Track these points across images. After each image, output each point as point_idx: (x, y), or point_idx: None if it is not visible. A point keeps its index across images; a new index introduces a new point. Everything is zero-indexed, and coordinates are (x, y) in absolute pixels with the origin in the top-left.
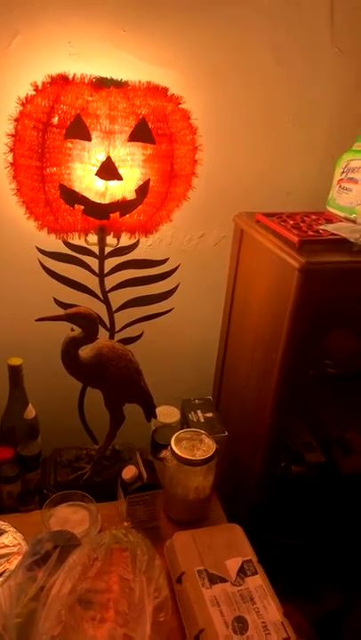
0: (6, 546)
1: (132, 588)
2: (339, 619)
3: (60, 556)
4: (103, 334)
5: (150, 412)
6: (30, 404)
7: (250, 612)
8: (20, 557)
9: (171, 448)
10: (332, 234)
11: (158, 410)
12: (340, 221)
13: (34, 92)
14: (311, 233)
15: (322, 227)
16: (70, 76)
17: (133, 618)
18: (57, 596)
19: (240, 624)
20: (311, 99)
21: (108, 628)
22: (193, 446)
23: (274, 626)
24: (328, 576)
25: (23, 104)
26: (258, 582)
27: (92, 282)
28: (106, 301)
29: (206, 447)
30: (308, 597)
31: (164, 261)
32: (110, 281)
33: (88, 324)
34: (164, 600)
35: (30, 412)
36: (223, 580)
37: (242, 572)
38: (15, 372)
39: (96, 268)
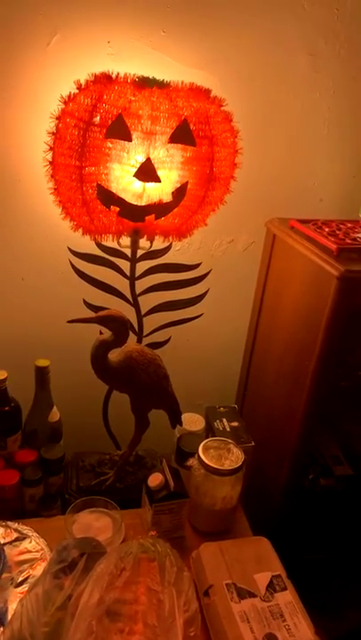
0: (29, 551)
1: (160, 600)
2: (359, 638)
3: (86, 564)
4: (131, 338)
5: (176, 419)
6: (55, 407)
7: (280, 629)
8: (43, 563)
9: (198, 456)
10: None
11: (183, 417)
12: None
13: (77, 91)
14: (349, 241)
15: (359, 235)
16: (114, 75)
17: (163, 631)
18: (86, 605)
19: None
20: (347, 106)
21: None
22: (220, 455)
23: None
24: (350, 593)
25: (65, 102)
26: (288, 598)
27: (122, 285)
28: (135, 305)
29: (235, 457)
30: (328, 614)
31: (196, 266)
32: (141, 284)
33: (119, 327)
34: (195, 614)
35: (55, 414)
36: (252, 595)
37: (271, 587)
38: (42, 374)
39: (127, 271)
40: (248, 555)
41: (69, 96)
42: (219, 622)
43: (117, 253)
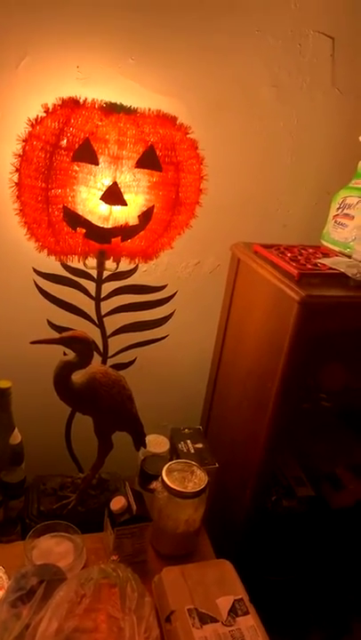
0: None
1: (121, 628)
2: None
3: (45, 592)
4: (96, 359)
5: (140, 441)
6: (16, 429)
7: None
8: (1, 592)
9: (162, 479)
10: (331, 268)
11: (147, 439)
12: (337, 255)
13: (44, 114)
14: (310, 266)
15: (320, 260)
16: (81, 101)
17: None
18: (43, 635)
19: None
20: (310, 136)
21: None
22: (184, 478)
23: None
24: (312, 615)
25: (33, 125)
26: (250, 623)
27: (87, 305)
28: (101, 326)
29: (198, 479)
30: (290, 636)
31: (162, 288)
32: (106, 305)
33: (83, 348)
34: None
35: (16, 436)
36: (214, 620)
37: (233, 611)
38: (3, 395)
39: (93, 292)
40: (210, 578)
41: (37, 119)
42: None
43: (83, 274)
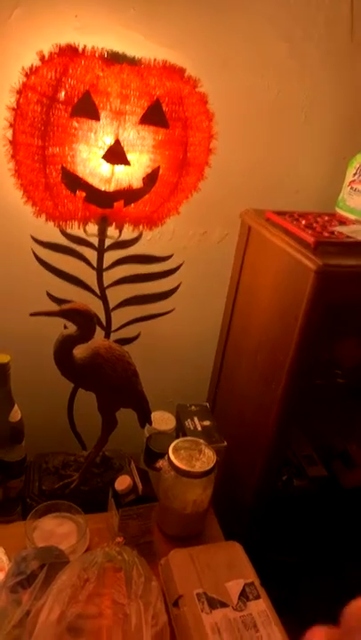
0: None
1: (127, 614)
2: None
3: (46, 576)
4: (99, 333)
5: (145, 418)
6: (16, 406)
7: None
8: (1, 574)
9: (168, 458)
10: (348, 236)
11: (153, 415)
12: (353, 224)
13: (40, 63)
14: (326, 234)
15: (336, 228)
16: (80, 48)
17: None
18: (45, 623)
19: None
20: (325, 96)
21: None
22: (191, 457)
23: None
24: (322, 594)
25: (27, 75)
26: (261, 607)
27: (89, 276)
28: (103, 298)
29: (206, 458)
30: (294, 614)
31: (167, 258)
32: (109, 276)
33: (84, 321)
34: (163, 628)
35: (16, 413)
36: (224, 605)
37: (244, 595)
38: (1, 371)
39: (94, 262)
40: (220, 561)
41: (32, 68)
42: (189, 635)
43: (84, 242)
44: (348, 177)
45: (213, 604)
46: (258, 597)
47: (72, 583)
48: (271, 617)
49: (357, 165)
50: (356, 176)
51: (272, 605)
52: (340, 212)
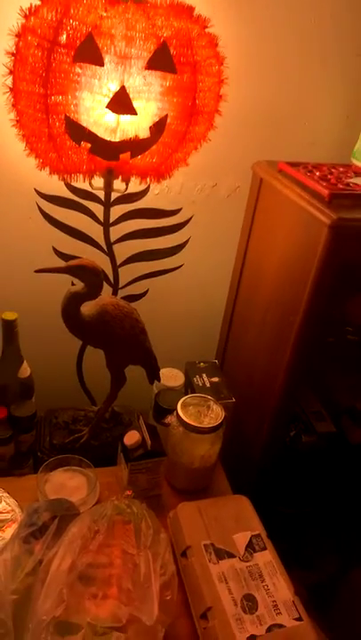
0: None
1: (136, 564)
2: (333, 586)
3: (58, 527)
4: (106, 290)
5: (154, 375)
6: (25, 362)
7: (259, 589)
8: (14, 525)
9: (177, 414)
10: None
11: (161, 372)
12: None
13: (39, 2)
14: (341, 186)
15: (352, 180)
16: None
17: (138, 596)
18: (57, 572)
19: (249, 602)
20: (345, 43)
21: (112, 606)
22: (200, 412)
23: (285, 605)
24: (326, 545)
25: (26, 16)
26: (267, 558)
27: (95, 231)
28: (110, 254)
29: (214, 414)
30: (305, 565)
31: (176, 212)
32: (116, 231)
33: (91, 278)
34: (171, 577)
35: (25, 370)
36: (231, 556)
37: (250, 547)
38: (9, 328)
39: (101, 216)
40: (227, 514)
41: (30, 9)
42: (196, 584)
43: (90, 196)
44: None
45: (221, 554)
46: (264, 549)
47: (82, 534)
48: (277, 567)
49: None
50: None
51: (278, 556)
52: (356, 162)
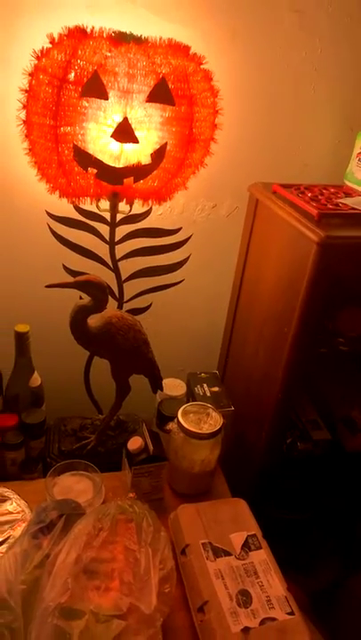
0: (10, 513)
1: (137, 559)
2: (333, 593)
3: (64, 525)
4: (111, 304)
5: (157, 384)
6: (36, 372)
7: (254, 585)
8: (24, 524)
9: (178, 420)
10: (352, 208)
11: (164, 382)
12: (360, 195)
13: (50, 45)
14: (330, 206)
15: (341, 200)
16: (88, 30)
17: (138, 588)
18: (63, 564)
19: (244, 597)
20: (334, 68)
21: (114, 597)
22: (200, 420)
23: (278, 600)
24: (326, 551)
25: (38, 57)
26: (262, 557)
27: (102, 250)
28: (115, 270)
29: (213, 421)
30: (304, 571)
31: (176, 231)
32: (121, 249)
33: (98, 292)
34: (170, 572)
35: (36, 379)
36: (227, 554)
37: (246, 546)
38: (21, 339)
39: (107, 236)
40: (225, 515)
41: (42, 51)
42: (194, 579)
43: (96, 217)
44: (357, 149)
45: (218, 552)
46: (259, 548)
47: (87, 531)
48: (271, 565)
49: None
50: None
51: (272, 556)
52: (348, 184)
